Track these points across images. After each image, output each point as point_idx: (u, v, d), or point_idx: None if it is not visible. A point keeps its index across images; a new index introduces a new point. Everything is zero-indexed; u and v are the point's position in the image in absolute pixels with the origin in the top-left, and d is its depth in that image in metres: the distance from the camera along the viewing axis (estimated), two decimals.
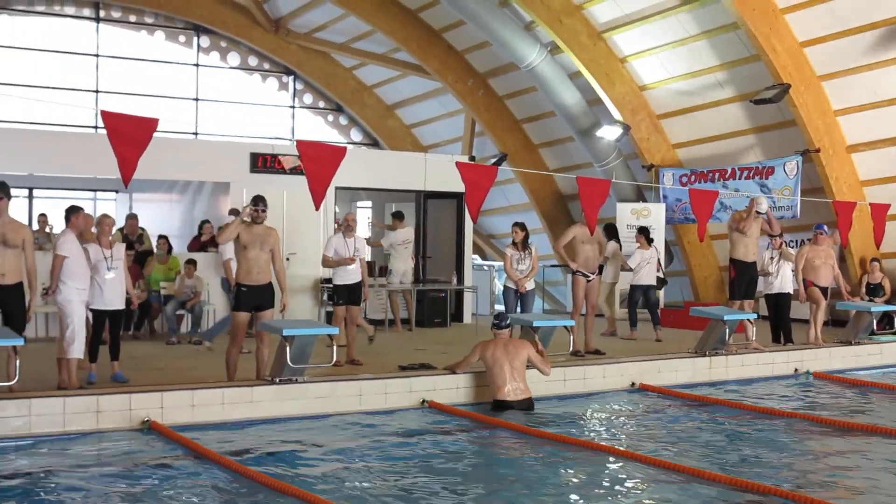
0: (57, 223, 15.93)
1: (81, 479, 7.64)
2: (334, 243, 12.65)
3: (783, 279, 14.83)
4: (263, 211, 10.54)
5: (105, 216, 11.06)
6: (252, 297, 10.50)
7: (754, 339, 13.55)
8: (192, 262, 14.75)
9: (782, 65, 17.11)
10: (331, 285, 13.29)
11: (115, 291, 10.66)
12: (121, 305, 10.81)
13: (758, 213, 13.94)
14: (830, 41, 16.95)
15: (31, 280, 9.90)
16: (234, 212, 14.92)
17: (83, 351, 10.24)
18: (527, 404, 10.54)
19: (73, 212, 10.54)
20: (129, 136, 8.89)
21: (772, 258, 14.89)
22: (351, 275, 12.60)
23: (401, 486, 7.67)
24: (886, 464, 8.67)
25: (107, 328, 10.84)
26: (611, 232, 16.90)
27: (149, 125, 9.02)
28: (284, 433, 9.44)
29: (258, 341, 10.63)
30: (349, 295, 12.63)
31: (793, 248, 17.24)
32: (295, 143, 13.09)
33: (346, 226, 12.74)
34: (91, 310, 10.62)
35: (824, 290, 14.78)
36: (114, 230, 11.27)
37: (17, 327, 9.64)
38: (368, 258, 15.41)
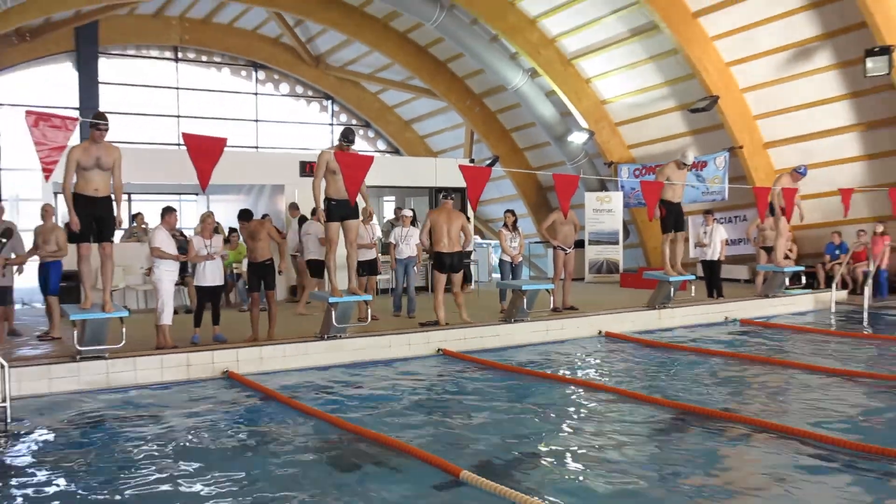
0: (151, 220, 16.05)
1: (177, 418, 7.78)
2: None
3: (714, 249, 14.92)
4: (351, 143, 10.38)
5: (208, 214, 11.01)
6: (339, 209, 10.32)
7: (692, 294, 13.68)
8: None
9: (713, 81, 17.13)
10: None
11: (214, 272, 10.76)
12: (220, 282, 10.89)
13: (683, 163, 13.43)
14: (750, 61, 16.99)
15: (118, 195, 9.24)
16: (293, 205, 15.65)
17: (171, 317, 10.22)
18: (460, 256, 11.74)
19: (166, 212, 10.52)
20: (205, 151, 8.90)
21: (705, 232, 14.91)
22: (367, 254, 13.12)
23: (420, 408, 7.82)
24: (803, 388, 8.76)
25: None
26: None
27: (219, 143, 9.03)
28: (333, 377, 9.56)
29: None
30: (368, 268, 13.23)
31: (723, 223, 17.28)
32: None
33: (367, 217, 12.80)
34: (196, 287, 10.78)
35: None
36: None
37: (107, 235, 9.12)
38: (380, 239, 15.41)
